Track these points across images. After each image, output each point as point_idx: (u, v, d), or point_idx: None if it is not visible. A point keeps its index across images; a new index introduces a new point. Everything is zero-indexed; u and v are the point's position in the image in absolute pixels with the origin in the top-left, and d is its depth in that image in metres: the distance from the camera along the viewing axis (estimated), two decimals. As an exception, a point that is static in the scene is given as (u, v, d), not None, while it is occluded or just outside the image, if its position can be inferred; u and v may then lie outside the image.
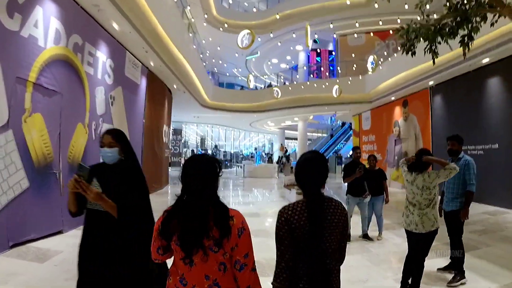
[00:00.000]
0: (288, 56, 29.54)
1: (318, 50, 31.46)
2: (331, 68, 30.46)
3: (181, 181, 1.79)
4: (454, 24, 3.46)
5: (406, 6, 15.02)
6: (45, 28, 6.24)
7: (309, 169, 1.95)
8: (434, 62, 4.37)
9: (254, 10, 26.25)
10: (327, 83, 20.79)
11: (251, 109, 23.47)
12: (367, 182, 7.01)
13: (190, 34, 18.03)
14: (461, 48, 3.73)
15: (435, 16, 4.09)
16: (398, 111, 17.29)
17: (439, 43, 4.02)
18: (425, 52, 4.20)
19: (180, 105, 19.98)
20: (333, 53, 34.22)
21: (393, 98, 17.28)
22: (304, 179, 1.96)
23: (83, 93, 7.72)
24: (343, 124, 36.27)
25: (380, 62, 13.60)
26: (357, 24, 20.42)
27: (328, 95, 20.06)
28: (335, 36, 24.98)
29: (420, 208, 4.13)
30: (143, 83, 12.01)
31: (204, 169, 1.77)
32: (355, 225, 7.36)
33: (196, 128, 32.38)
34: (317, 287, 1.82)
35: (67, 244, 5.87)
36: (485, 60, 10.85)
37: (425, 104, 14.88)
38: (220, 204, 1.76)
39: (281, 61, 30.27)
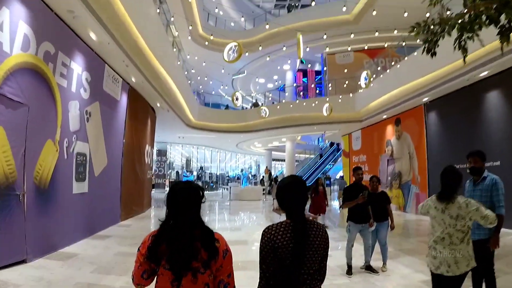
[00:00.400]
0: (275, 76, 29.19)
1: (309, 66, 31.13)
2: (317, 89, 30.26)
3: (167, 206, 1.85)
4: (493, 10, 2.85)
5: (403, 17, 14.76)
6: (12, 33, 5.49)
7: (291, 193, 2.04)
8: (464, 61, 3.69)
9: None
10: (316, 102, 20.30)
11: (238, 129, 22.79)
12: (371, 206, 6.22)
13: (175, 49, 17.44)
14: (499, 41, 3.09)
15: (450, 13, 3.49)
16: (390, 129, 16.81)
17: (469, 37, 3.36)
18: (454, 48, 3.51)
19: (164, 125, 19.17)
20: (321, 73, 34.33)
21: (384, 117, 16.84)
22: (288, 203, 2.05)
23: (54, 107, 6.89)
24: (332, 144, 35.84)
25: (365, 82, 13.16)
26: (348, 47, 20.19)
27: (317, 114, 19.56)
28: (323, 54, 24.71)
29: (452, 243, 3.29)
30: (123, 99, 11.22)
31: (190, 196, 1.86)
32: (356, 254, 6.50)
33: (181, 149, 31.45)
34: None
35: (29, 277, 5.10)
36: (484, 73, 10.44)
37: (419, 122, 14.42)
38: (206, 228, 1.85)
39: (268, 80, 29.90)
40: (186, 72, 18.94)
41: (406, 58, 14.23)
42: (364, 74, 12.96)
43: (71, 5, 6.81)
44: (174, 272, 1.72)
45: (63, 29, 7.27)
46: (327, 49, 23.10)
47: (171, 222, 1.83)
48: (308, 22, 20.99)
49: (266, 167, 32.89)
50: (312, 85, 30.89)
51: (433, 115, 13.78)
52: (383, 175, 17.19)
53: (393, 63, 18.66)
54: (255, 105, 26.02)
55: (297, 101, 23.22)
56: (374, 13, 16.79)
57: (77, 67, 7.85)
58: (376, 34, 17.96)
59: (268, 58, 24.35)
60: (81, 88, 8.12)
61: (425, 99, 13.65)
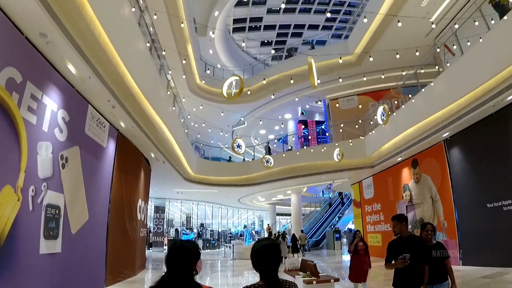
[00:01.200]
0: (276, 126, 28.26)
1: (317, 115, 30.58)
2: (318, 140, 29.40)
3: (165, 263, 2.09)
4: None
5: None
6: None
7: (264, 256, 2.13)
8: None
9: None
10: (325, 148, 19.08)
11: (239, 183, 21.33)
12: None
13: (168, 92, 16.52)
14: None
15: None
16: (406, 173, 15.43)
17: None
18: None
19: (160, 178, 17.82)
20: (322, 122, 33.63)
21: (399, 159, 15.54)
22: (260, 265, 2.12)
23: (16, 146, 5.57)
24: (340, 194, 34.23)
25: (382, 118, 11.88)
26: (350, 90, 19.42)
27: (324, 163, 18.31)
28: (325, 100, 23.94)
29: None
30: (111, 146, 9.95)
31: (185, 253, 2.09)
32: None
33: (180, 205, 29.63)
34: None
35: None
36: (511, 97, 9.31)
37: (441, 161, 13.10)
38: (195, 282, 2.07)
39: (269, 131, 28.92)
40: (182, 120, 17.89)
41: (423, 90, 13.17)
42: (380, 109, 11.74)
43: (43, 27, 5.76)
44: None
45: (35, 56, 6.17)
46: (330, 95, 22.29)
47: (165, 275, 2.05)
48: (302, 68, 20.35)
49: (268, 224, 31.12)
50: (310, 137, 30.17)
51: (455, 151, 12.48)
52: (403, 224, 15.51)
53: (400, 104, 17.74)
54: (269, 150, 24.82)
55: (304, 147, 22.02)
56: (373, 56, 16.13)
57: (51, 103, 6.63)
58: (382, 76, 17.10)
59: (272, 97, 23.49)
60: (56, 128, 6.84)
61: (445, 134, 12.44)
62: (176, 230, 28.23)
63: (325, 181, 22.02)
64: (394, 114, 14.64)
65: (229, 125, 26.10)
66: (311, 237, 28.82)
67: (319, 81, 14.16)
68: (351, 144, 16.98)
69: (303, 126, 32.09)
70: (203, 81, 20.61)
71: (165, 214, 27.72)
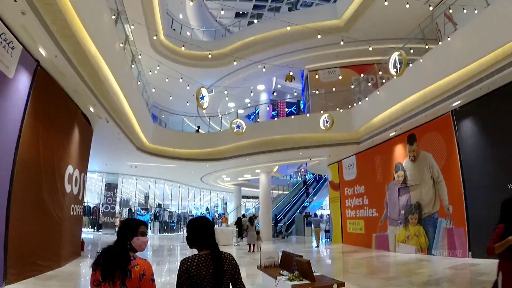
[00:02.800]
0: (247, 99, 25.44)
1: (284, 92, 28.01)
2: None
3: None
4: None
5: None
6: None
7: (207, 230, 2.48)
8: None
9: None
10: (308, 115, 16.62)
11: (203, 157, 18.44)
12: None
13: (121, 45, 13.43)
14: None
15: None
16: (400, 150, 13.25)
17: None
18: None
19: (107, 146, 14.82)
20: (293, 105, 31.30)
21: (392, 134, 13.32)
22: (205, 238, 2.45)
23: None
24: (304, 182, 32.30)
25: (396, 67, 9.24)
26: (332, 62, 16.94)
27: (304, 136, 15.82)
28: (303, 71, 21.44)
29: None
30: (22, 81, 6.90)
31: (124, 228, 2.42)
32: None
33: (136, 182, 26.29)
34: None
35: None
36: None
37: (447, 135, 11.00)
38: (126, 254, 2.30)
39: (239, 104, 26.01)
40: (139, 83, 14.80)
41: (434, 47, 10.85)
42: (395, 56, 9.06)
43: None
44: (102, 278, 2.22)
45: None
46: (310, 65, 19.76)
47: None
48: (290, 28, 17.67)
49: (224, 215, 28.53)
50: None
51: (467, 124, 10.39)
52: (392, 209, 13.42)
53: (384, 80, 15.51)
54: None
55: (280, 119, 19.44)
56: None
57: None
58: (370, 48, 14.58)
59: (240, 72, 20.69)
60: None
61: (456, 103, 10.30)
62: (130, 210, 25.12)
63: (301, 159, 19.46)
64: (394, 78, 12.30)
65: (194, 94, 23.05)
66: (279, 222, 26.57)
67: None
68: (339, 110, 14.27)
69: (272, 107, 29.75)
70: (183, 46, 17.54)
71: (118, 192, 24.56)
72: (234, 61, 16.77)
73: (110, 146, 14.86)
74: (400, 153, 13.24)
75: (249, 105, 25.65)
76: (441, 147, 11.20)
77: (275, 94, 29.28)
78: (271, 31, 18.28)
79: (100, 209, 23.44)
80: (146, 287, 2.27)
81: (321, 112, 14.72)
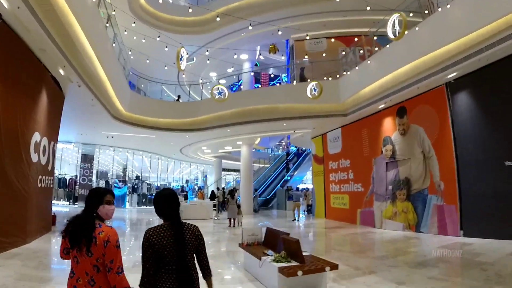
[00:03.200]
0: (229, 69, 24.40)
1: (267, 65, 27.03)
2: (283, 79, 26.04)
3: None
4: None
5: None
6: None
7: (171, 202, 2.58)
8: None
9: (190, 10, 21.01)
10: (294, 83, 15.88)
11: (183, 127, 17.58)
12: None
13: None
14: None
15: None
16: (389, 123, 12.77)
17: None
18: None
19: (80, 113, 13.86)
20: (276, 77, 30.38)
21: (381, 107, 12.80)
22: (168, 210, 2.55)
23: None
24: (287, 154, 31.91)
25: (395, 30, 8.44)
26: (319, 32, 16.06)
27: (288, 106, 15.15)
28: (288, 41, 20.56)
29: None
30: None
31: (91, 197, 2.49)
32: None
33: (113, 154, 25.19)
34: None
35: None
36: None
37: (440, 108, 10.53)
38: (91, 222, 2.38)
39: (221, 74, 24.98)
40: (114, 44, 13.67)
41: (431, 16, 10.22)
42: (394, 18, 8.27)
43: None
44: (70, 245, 2.34)
45: None
46: (296, 35, 18.78)
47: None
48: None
49: (200, 189, 27.87)
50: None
51: (461, 97, 9.94)
52: (379, 184, 13.06)
53: (371, 52, 14.83)
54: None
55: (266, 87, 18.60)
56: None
57: None
58: (368, 8, 13.79)
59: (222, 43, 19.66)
60: None
61: (452, 75, 9.77)
62: (107, 182, 24.18)
63: (285, 131, 18.74)
64: (387, 46, 11.67)
65: (174, 62, 21.93)
66: (259, 196, 26.22)
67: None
68: (328, 79, 13.46)
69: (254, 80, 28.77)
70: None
71: (95, 164, 23.56)
72: (217, 16, 15.83)
73: (83, 114, 13.87)
74: (389, 126, 12.76)
75: (231, 72, 24.65)
76: (434, 121, 10.74)
77: (257, 66, 28.31)
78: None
79: (77, 181, 22.47)
80: (111, 253, 2.32)
81: (308, 80, 13.99)
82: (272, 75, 30.04)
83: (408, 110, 11.82)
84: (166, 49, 16.02)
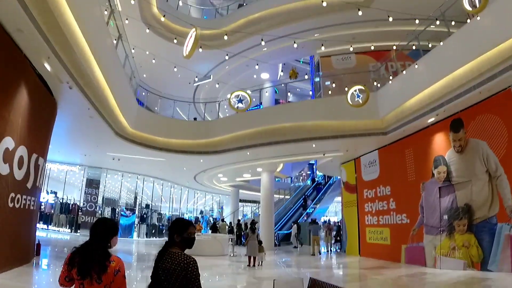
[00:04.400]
0: (250, 89, 22.70)
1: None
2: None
3: (90, 233, 2.59)
4: None
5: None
6: None
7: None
8: None
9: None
10: (330, 92, 14.00)
11: (197, 149, 15.71)
12: None
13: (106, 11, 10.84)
14: None
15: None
16: (440, 140, 10.64)
17: None
18: None
19: (77, 127, 12.22)
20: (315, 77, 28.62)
21: (431, 120, 10.71)
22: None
23: None
24: (313, 180, 29.62)
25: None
26: (346, 47, 14.46)
27: (317, 124, 13.18)
28: (313, 57, 18.91)
29: None
30: None
31: (102, 227, 2.62)
32: None
33: (121, 179, 23.25)
34: None
35: None
36: None
37: (508, 116, 8.44)
38: (106, 251, 2.50)
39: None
40: (115, 41, 12.15)
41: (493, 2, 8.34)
42: None
43: None
44: (79, 275, 2.39)
45: None
46: (322, 49, 17.01)
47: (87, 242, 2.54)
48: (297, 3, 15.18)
49: (198, 221, 25.14)
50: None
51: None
52: (431, 214, 10.75)
53: (403, 68, 12.94)
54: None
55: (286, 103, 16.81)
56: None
57: None
58: (390, 19, 11.99)
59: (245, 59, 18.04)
60: None
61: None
62: (113, 209, 22.32)
63: (312, 154, 16.30)
64: (440, 45, 9.73)
65: (190, 82, 20.51)
66: (280, 229, 23.84)
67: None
68: (359, 94, 11.49)
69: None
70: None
71: (102, 189, 21.84)
72: (225, 34, 14.16)
73: (81, 127, 12.24)
74: (440, 143, 10.61)
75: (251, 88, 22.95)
76: (500, 133, 8.64)
77: (277, 92, 26.68)
78: (280, 5, 15.72)
79: (83, 207, 20.73)
80: (118, 282, 2.47)
81: (346, 88, 11.96)
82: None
83: (465, 122, 9.73)
84: (175, 69, 14.44)
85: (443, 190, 10.32)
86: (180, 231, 2.57)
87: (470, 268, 9.08)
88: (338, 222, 23.43)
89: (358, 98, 10.54)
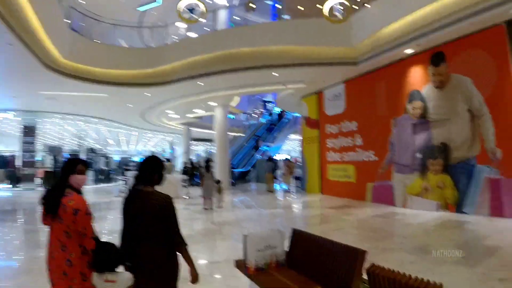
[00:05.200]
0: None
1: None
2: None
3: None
4: None
5: None
6: None
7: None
8: None
9: None
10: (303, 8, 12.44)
11: (142, 80, 13.72)
12: None
13: None
14: None
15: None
16: (417, 74, 9.77)
17: None
18: None
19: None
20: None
21: (410, 52, 9.68)
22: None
23: None
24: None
25: None
26: None
27: (283, 49, 11.63)
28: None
29: None
30: None
31: (64, 167, 2.57)
32: None
33: (63, 123, 20.64)
34: (133, 267, 2.33)
35: None
36: None
37: (497, 53, 7.75)
38: (62, 189, 2.44)
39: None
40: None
41: None
42: None
43: None
44: (46, 211, 2.42)
45: None
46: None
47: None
48: None
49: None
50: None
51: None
52: (403, 152, 10.15)
53: None
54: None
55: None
56: None
57: None
58: None
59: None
60: None
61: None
62: (55, 158, 20.20)
63: (273, 85, 14.57)
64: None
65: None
66: (235, 167, 23.04)
67: None
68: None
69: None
70: None
71: (41, 136, 19.56)
72: None
73: (1, 60, 9.99)
74: (417, 77, 9.72)
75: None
76: (487, 70, 7.92)
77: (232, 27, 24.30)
78: None
79: (23, 159, 18.54)
80: (81, 221, 2.36)
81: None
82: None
83: (448, 56, 8.84)
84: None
85: (418, 127, 9.61)
86: (159, 170, 2.49)
87: (444, 210, 8.71)
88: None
89: (337, 13, 8.97)
